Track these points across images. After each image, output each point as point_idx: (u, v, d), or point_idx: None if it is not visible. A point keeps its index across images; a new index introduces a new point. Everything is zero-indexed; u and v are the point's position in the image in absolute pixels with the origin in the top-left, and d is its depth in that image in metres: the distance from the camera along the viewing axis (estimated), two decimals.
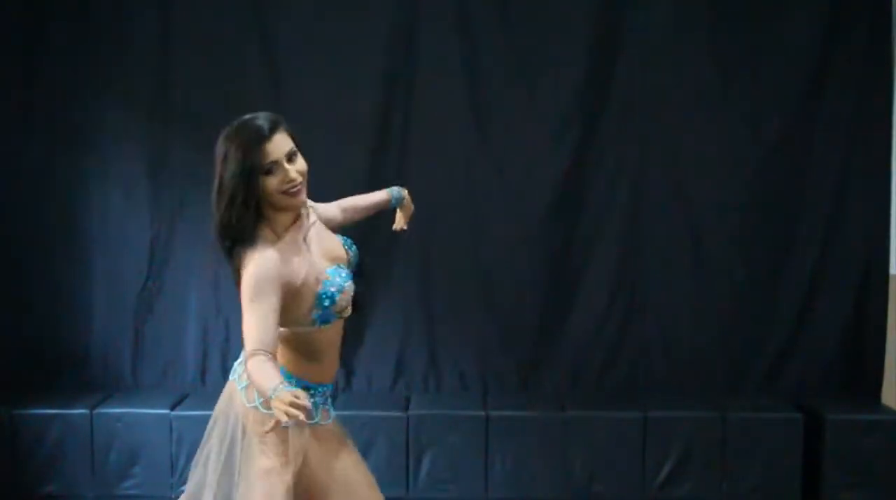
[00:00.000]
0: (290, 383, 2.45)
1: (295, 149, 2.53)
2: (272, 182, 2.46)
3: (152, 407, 4.66)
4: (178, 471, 4.60)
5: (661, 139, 4.92)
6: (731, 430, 4.58)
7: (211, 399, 4.80)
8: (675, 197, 4.94)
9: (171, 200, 4.96)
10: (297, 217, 2.58)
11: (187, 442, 4.59)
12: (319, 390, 2.68)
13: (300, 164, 2.52)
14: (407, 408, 4.69)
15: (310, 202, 2.68)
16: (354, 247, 2.73)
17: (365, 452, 4.61)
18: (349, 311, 2.62)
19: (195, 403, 4.76)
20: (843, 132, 4.88)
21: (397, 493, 4.60)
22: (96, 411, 4.62)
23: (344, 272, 2.59)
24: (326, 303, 2.52)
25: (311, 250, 2.57)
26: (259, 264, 2.40)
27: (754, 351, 4.96)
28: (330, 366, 2.69)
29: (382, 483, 4.65)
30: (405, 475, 4.60)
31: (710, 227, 4.93)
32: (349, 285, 2.56)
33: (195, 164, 4.92)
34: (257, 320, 2.33)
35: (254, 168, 2.45)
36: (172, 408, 4.66)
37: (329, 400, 2.75)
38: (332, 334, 2.63)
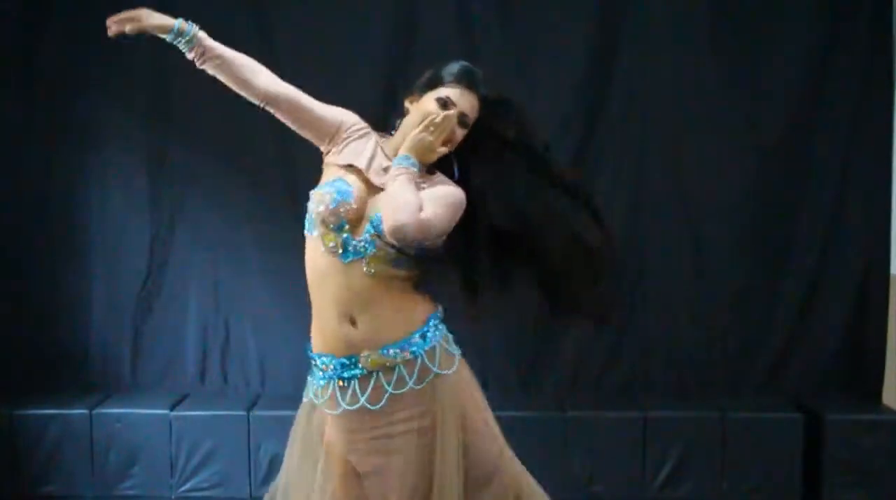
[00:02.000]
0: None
1: (468, 119, 2.52)
2: (428, 106, 2.52)
3: (152, 407, 4.66)
4: (177, 471, 4.60)
5: (661, 139, 4.92)
6: (731, 430, 4.58)
7: (211, 399, 4.85)
8: (675, 197, 4.94)
9: (171, 200, 4.96)
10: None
11: (187, 442, 4.59)
12: (317, 358, 2.55)
13: (460, 135, 2.51)
14: None
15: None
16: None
17: None
18: (330, 241, 2.45)
19: (195, 403, 4.76)
20: (843, 132, 4.87)
21: None
22: (96, 411, 4.62)
23: (341, 186, 2.46)
24: (315, 196, 2.49)
25: (364, 163, 2.52)
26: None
27: (754, 351, 4.95)
28: (323, 324, 2.49)
29: None
30: None
31: (710, 227, 4.92)
32: (328, 196, 2.44)
33: (195, 164, 4.94)
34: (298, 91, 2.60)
35: (430, 83, 2.57)
36: (172, 408, 4.66)
37: (331, 379, 2.52)
38: (335, 273, 2.46)
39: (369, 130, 2.60)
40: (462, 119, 2.51)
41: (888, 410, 4.69)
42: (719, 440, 4.57)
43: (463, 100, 2.52)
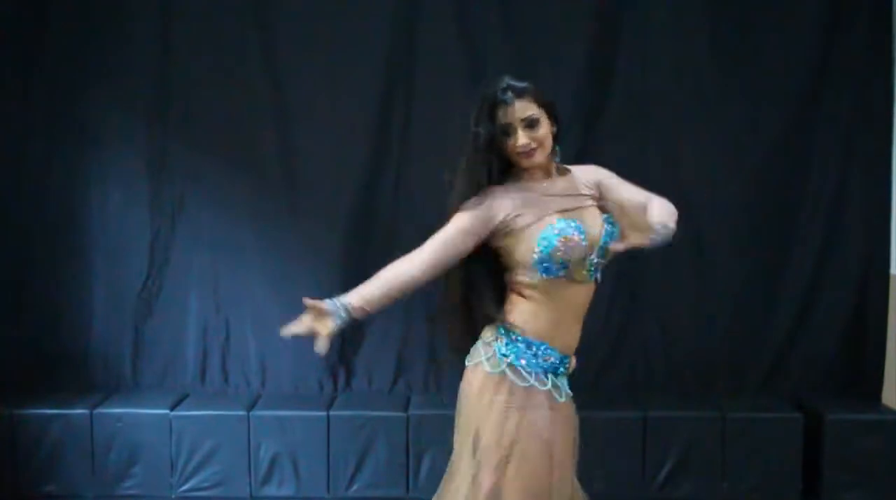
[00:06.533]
0: (515, 338, 2.67)
1: (535, 117, 2.68)
2: (509, 143, 2.67)
3: (152, 407, 4.66)
4: (177, 471, 4.60)
5: (661, 139, 4.92)
6: (731, 430, 4.58)
7: (211, 399, 4.86)
8: (675, 197, 4.91)
9: (171, 200, 4.96)
10: (549, 176, 2.77)
11: (187, 442, 4.59)
12: (539, 346, 2.69)
13: (538, 131, 2.68)
14: (407, 408, 4.69)
15: (573, 168, 2.88)
16: (612, 227, 2.74)
17: (365, 452, 4.62)
18: (583, 274, 2.67)
19: (195, 403, 4.76)
20: (843, 132, 4.88)
21: (397, 493, 4.60)
22: (96, 411, 4.62)
23: (574, 224, 2.66)
24: (543, 245, 2.62)
25: (549, 204, 2.69)
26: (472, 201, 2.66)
27: (754, 351, 4.96)
28: (562, 333, 2.71)
29: (382, 483, 4.69)
30: (405, 475, 4.60)
31: (710, 227, 4.93)
32: (574, 235, 2.63)
33: (195, 164, 4.94)
34: (438, 235, 2.65)
35: (490, 131, 2.65)
36: (172, 408, 4.66)
37: (561, 377, 2.75)
38: (567, 297, 2.69)
39: (489, 192, 2.68)
40: (527, 123, 2.68)
41: (888, 410, 4.69)
42: (719, 440, 4.57)
43: (512, 113, 2.67)
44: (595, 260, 2.70)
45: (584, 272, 2.69)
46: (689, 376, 4.96)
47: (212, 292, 4.99)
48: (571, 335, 2.74)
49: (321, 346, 2.58)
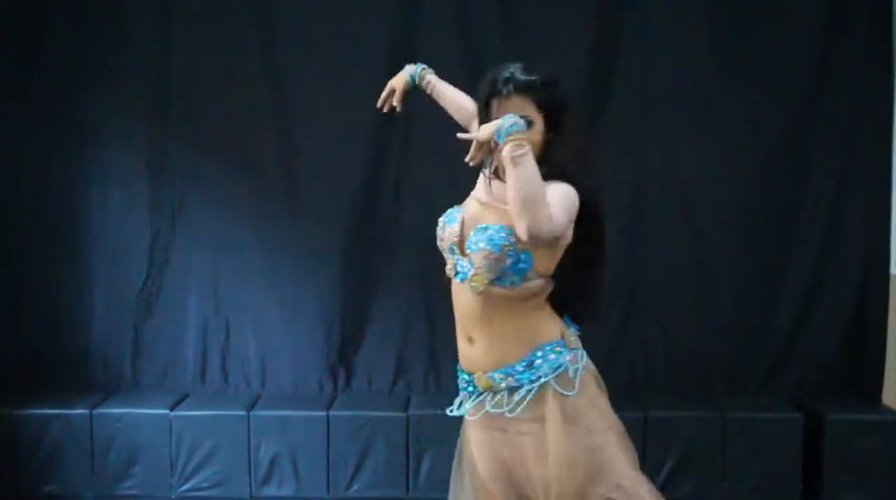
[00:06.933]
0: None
1: (528, 120, 2.45)
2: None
3: (152, 407, 4.66)
4: (177, 471, 4.60)
5: (661, 139, 4.92)
6: (731, 430, 4.58)
7: (211, 399, 4.86)
8: (675, 197, 4.94)
9: (171, 200, 4.96)
10: None
11: (187, 442, 4.59)
12: (460, 373, 2.66)
13: (528, 133, 2.41)
14: (407, 408, 4.69)
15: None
16: (484, 234, 2.47)
17: (365, 452, 4.62)
18: (448, 268, 2.59)
19: (195, 403, 4.76)
20: (843, 132, 4.88)
21: (397, 493, 4.60)
22: (96, 411, 4.62)
23: (451, 211, 2.62)
24: None
25: (487, 189, 2.60)
26: None
27: (754, 351, 4.95)
28: (461, 346, 2.61)
29: (382, 483, 4.69)
30: (405, 475, 4.60)
31: (710, 227, 4.93)
32: (441, 219, 2.61)
33: (195, 164, 4.94)
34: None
35: (482, 113, 2.56)
36: (172, 408, 4.66)
37: (469, 393, 2.63)
38: (455, 297, 2.60)
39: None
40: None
41: (888, 410, 4.70)
42: (719, 440, 4.57)
43: (505, 107, 2.48)
44: (462, 262, 2.54)
45: (449, 267, 2.58)
46: (689, 376, 4.96)
47: (212, 292, 4.99)
48: (470, 349, 2.57)
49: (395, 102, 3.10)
